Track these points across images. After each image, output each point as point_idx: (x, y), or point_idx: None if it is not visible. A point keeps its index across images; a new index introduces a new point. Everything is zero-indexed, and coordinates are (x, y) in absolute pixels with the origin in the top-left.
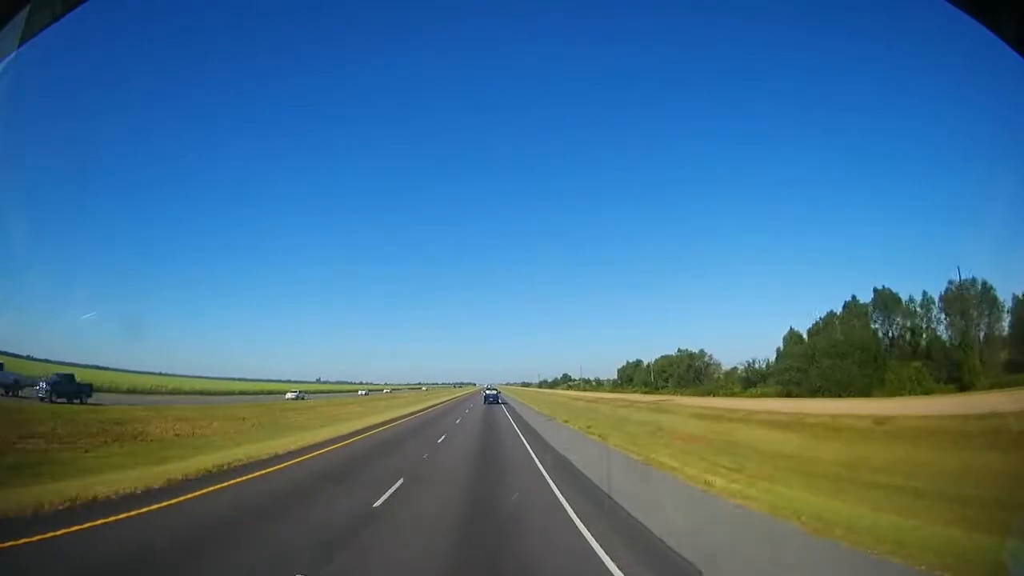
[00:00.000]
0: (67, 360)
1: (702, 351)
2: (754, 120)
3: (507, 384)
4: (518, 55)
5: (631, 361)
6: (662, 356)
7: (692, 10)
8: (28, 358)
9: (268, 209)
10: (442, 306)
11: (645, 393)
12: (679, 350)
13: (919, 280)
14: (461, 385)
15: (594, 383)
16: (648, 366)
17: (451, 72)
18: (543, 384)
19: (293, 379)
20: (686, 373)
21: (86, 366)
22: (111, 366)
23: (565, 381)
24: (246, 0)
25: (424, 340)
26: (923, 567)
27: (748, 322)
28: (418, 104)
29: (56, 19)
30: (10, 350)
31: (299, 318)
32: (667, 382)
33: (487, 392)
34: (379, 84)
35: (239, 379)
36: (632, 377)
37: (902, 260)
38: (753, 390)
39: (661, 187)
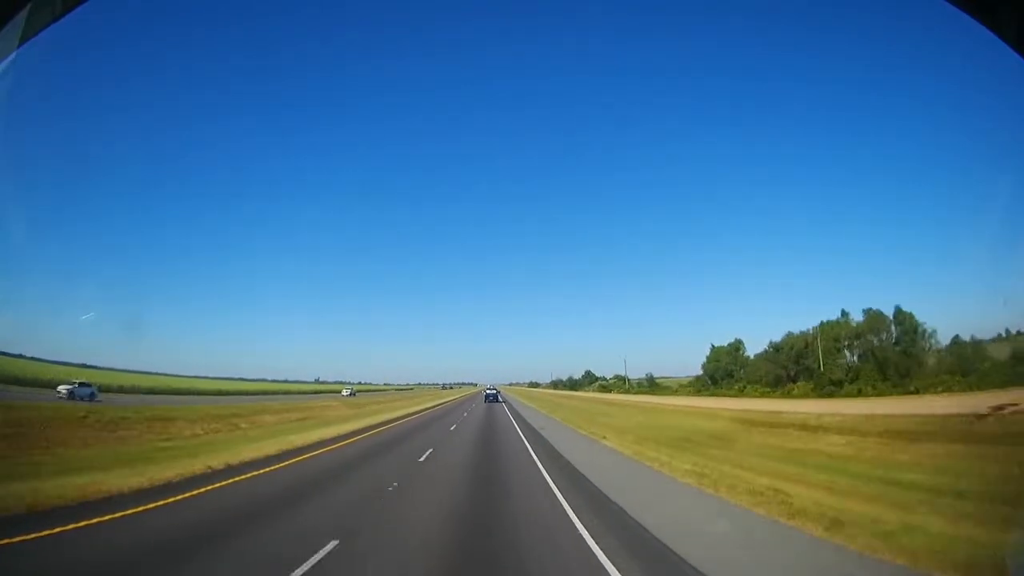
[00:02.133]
0: (63, 360)
1: (900, 309)
2: (751, 119)
3: (511, 384)
4: (521, 55)
5: (723, 345)
6: (828, 322)
7: (692, 10)
8: (19, 356)
9: (267, 208)
10: (444, 304)
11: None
12: (844, 313)
13: (919, 279)
14: (453, 387)
15: (642, 383)
16: (779, 347)
17: (450, 72)
18: (557, 384)
19: (290, 379)
20: (904, 353)
21: (83, 365)
22: (103, 365)
23: (591, 381)
24: (247, 1)
25: (425, 340)
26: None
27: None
28: (416, 104)
29: (56, 19)
30: (9, 350)
31: (299, 318)
32: (849, 373)
33: (487, 392)
34: (378, 84)
35: (237, 378)
36: (733, 370)
37: (903, 258)
38: None
39: (693, 182)
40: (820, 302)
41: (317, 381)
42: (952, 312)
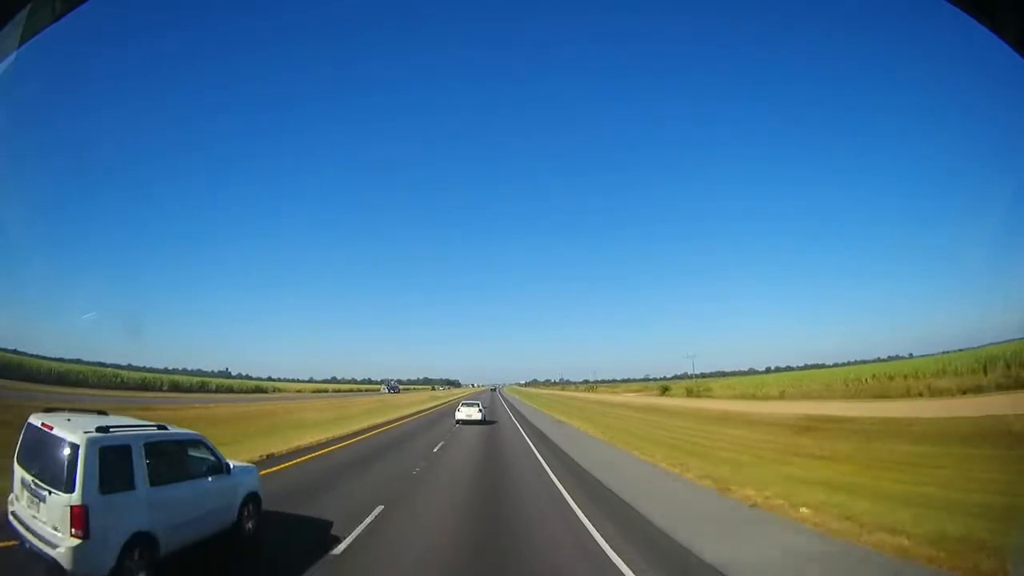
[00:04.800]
0: (66, 356)
1: None
2: (749, 120)
3: (518, 384)
4: (533, 56)
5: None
6: None
7: (693, 10)
8: (15, 352)
9: (264, 208)
10: (442, 303)
11: None
12: None
13: (919, 279)
14: (389, 386)
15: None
16: None
17: (457, 71)
18: (586, 386)
19: (287, 377)
20: None
21: (89, 362)
22: (92, 360)
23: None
24: (248, 2)
25: (421, 339)
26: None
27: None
28: (414, 104)
29: (56, 19)
30: (9, 346)
31: (296, 317)
32: None
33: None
34: (382, 84)
35: (238, 376)
36: None
37: (898, 259)
38: None
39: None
40: (817, 303)
41: (310, 380)
42: (950, 313)
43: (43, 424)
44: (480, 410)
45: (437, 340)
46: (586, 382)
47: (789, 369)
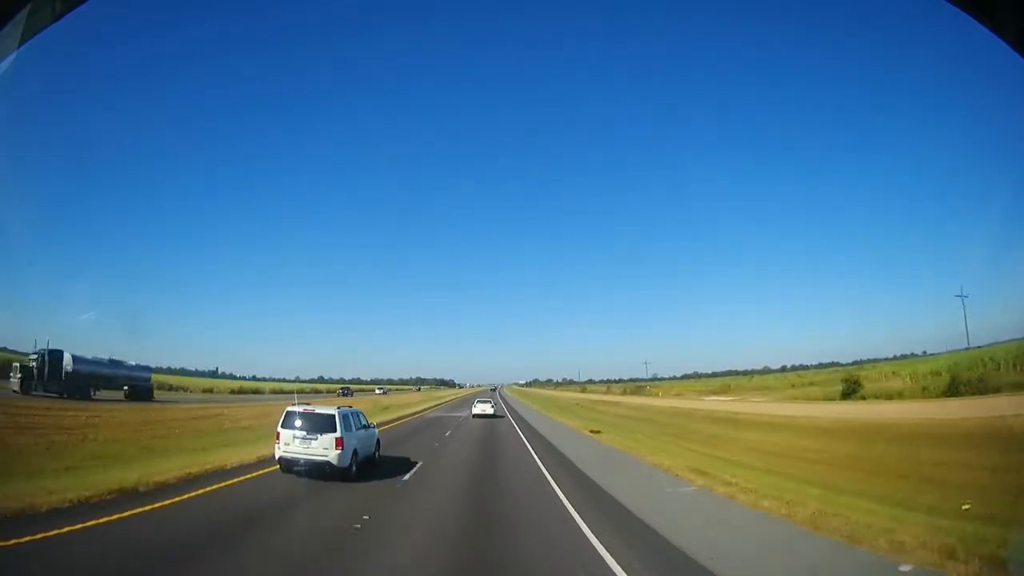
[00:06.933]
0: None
1: None
2: (747, 119)
3: (518, 384)
4: (533, 56)
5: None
6: None
7: (691, 10)
8: (4, 349)
9: (264, 208)
10: (437, 303)
11: None
12: None
13: (920, 279)
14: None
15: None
16: None
17: (457, 71)
18: (633, 386)
19: (273, 376)
20: None
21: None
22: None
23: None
24: (248, 1)
25: (416, 339)
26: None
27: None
28: (414, 105)
29: (56, 19)
30: (10, 346)
31: (290, 316)
32: None
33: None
34: (381, 83)
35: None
36: None
37: (899, 259)
38: None
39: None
40: (817, 304)
41: (296, 379)
42: (948, 314)
43: (304, 409)
44: (492, 406)
45: (434, 339)
46: (590, 382)
47: (804, 368)
